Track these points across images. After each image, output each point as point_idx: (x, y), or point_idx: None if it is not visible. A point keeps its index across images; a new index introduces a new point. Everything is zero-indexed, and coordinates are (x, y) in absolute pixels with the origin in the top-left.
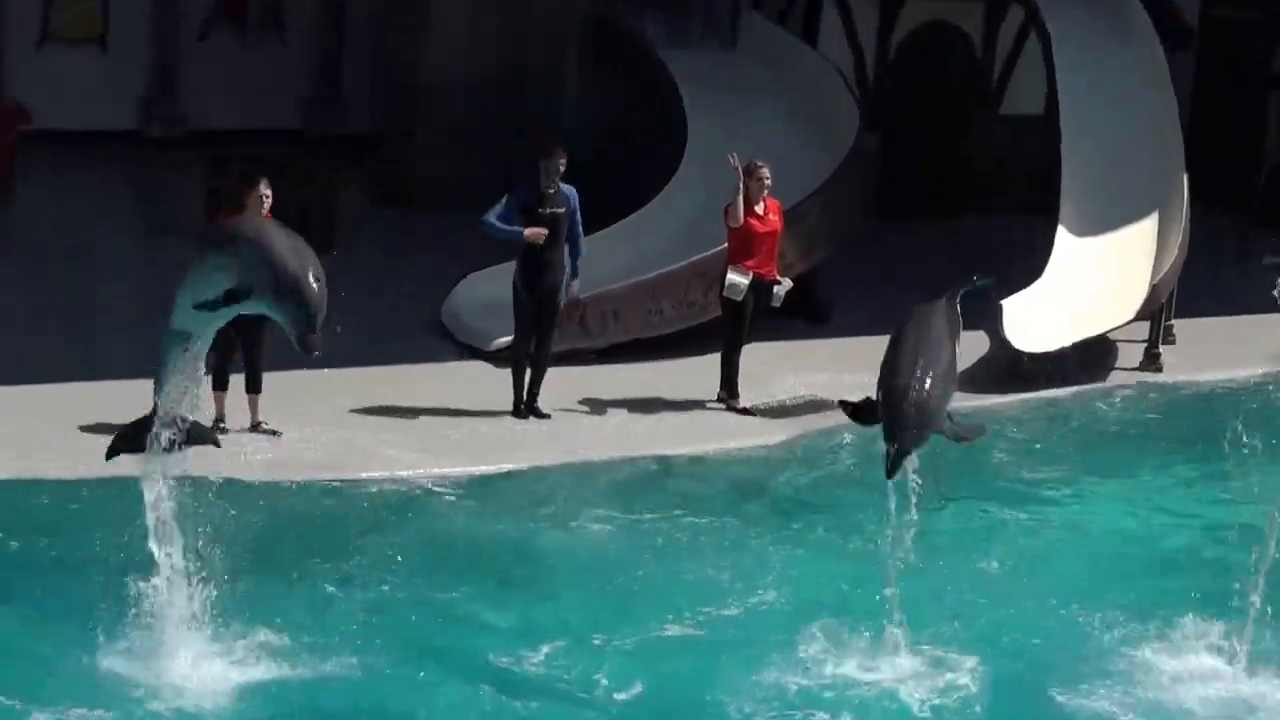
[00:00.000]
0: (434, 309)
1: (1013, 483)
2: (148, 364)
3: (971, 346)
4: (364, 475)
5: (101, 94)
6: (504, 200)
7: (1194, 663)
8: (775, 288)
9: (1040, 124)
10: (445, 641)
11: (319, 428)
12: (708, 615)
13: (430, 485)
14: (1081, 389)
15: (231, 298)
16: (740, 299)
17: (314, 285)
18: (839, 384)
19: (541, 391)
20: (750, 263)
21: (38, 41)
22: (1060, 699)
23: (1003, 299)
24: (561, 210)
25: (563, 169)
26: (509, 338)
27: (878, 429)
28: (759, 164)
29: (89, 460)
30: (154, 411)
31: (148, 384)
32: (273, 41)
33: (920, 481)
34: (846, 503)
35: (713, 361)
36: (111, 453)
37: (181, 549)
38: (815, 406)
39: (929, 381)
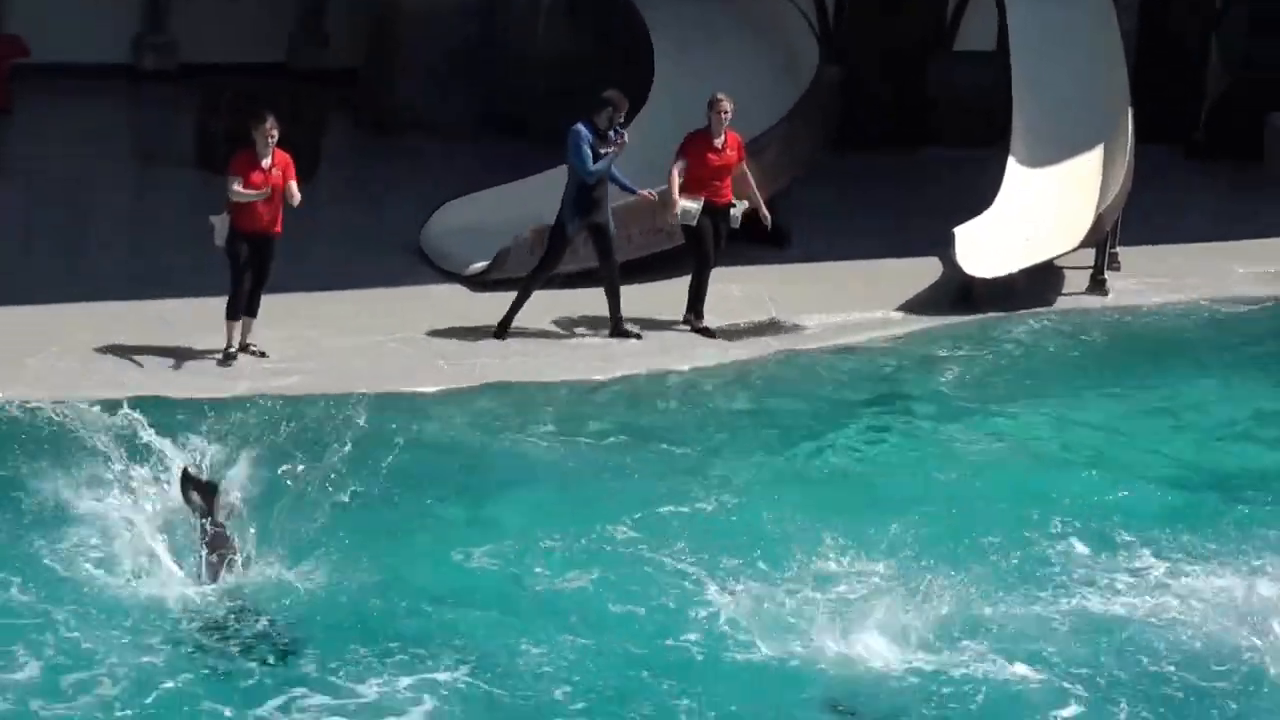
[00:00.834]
0: (414, 233)
1: (962, 399)
2: (131, 282)
3: (926, 271)
4: (347, 391)
5: (98, 29)
6: (585, 148)
7: (1125, 562)
8: (731, 210)
9: (993, 60)
10: (409, 535)
11: (303, 347)
12: (653, 519)
13: (409, 397)
14: (1030, 312)
15: None
16: (695, 224)
17: None
18: (799, 305)
19: (522, 314)
20: (704, 192)
21: None
22: (1003, 595)
23: (955, 226)
24: (612, 149)
25: (618, 118)
26: (484, 263)
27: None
28: (720, 97)
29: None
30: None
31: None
32: None
33: (871, 397)
34: (799, 418)
35: (681, 285)
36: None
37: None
38: (776, 328)
39: None
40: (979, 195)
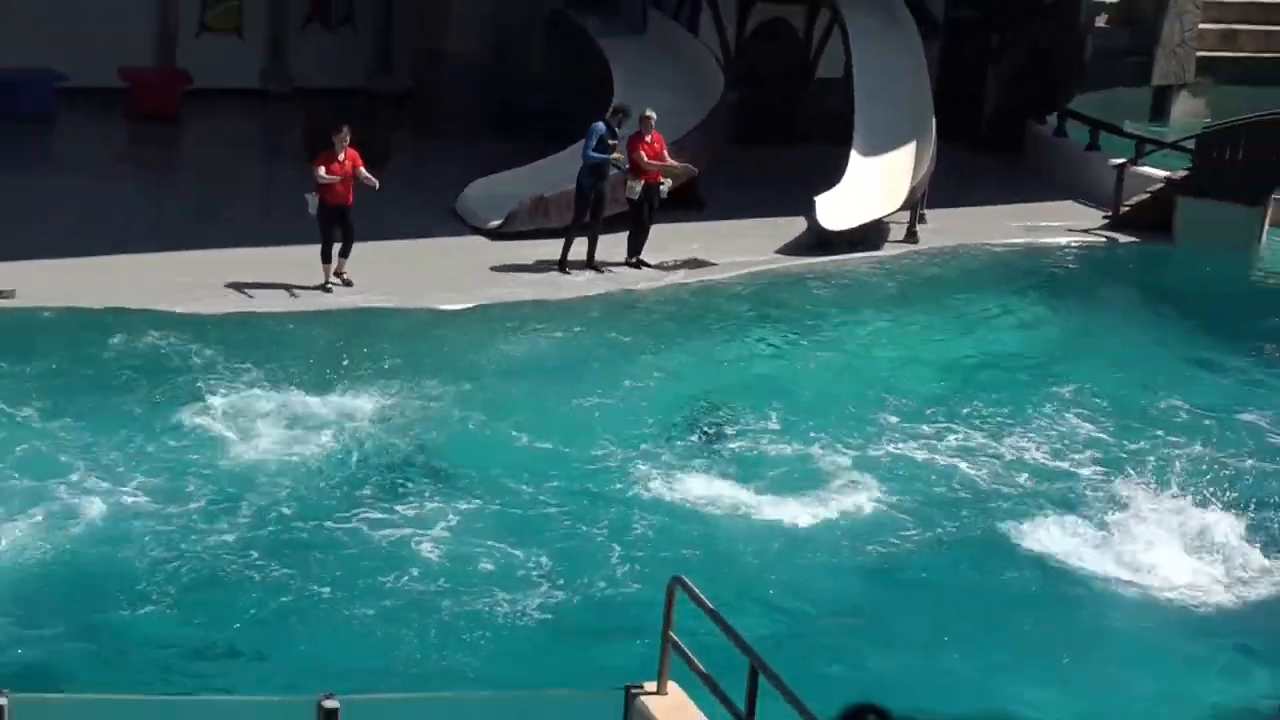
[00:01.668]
0: (450, 200)
1: (817, 310)
2: (262, 234)
3: (796, 227)
4: (409, 306)
5: (238, 64)
6: (595, 140)
7: (957, 442)
8: (660, 187)
9: (840, 84)
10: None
11: (378, 278)
12: (611, 394)
13: (444, 310)
14: (866, 254)
15: None
16: (637, 198)
17: None
18: (711, 250)
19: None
20: (643, 177)
21: (197, 32)
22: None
23: (816, 195)
24: (617, 141)
25: (625, 121)
26: (498, 221)
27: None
28: (647, 112)
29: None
30: None
31: (263, 249)
32: (347, 29)
33: (757, 310)
34: (709, 322)
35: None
36: None
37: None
38: (693, 264)
39: None
40: (831, 175)
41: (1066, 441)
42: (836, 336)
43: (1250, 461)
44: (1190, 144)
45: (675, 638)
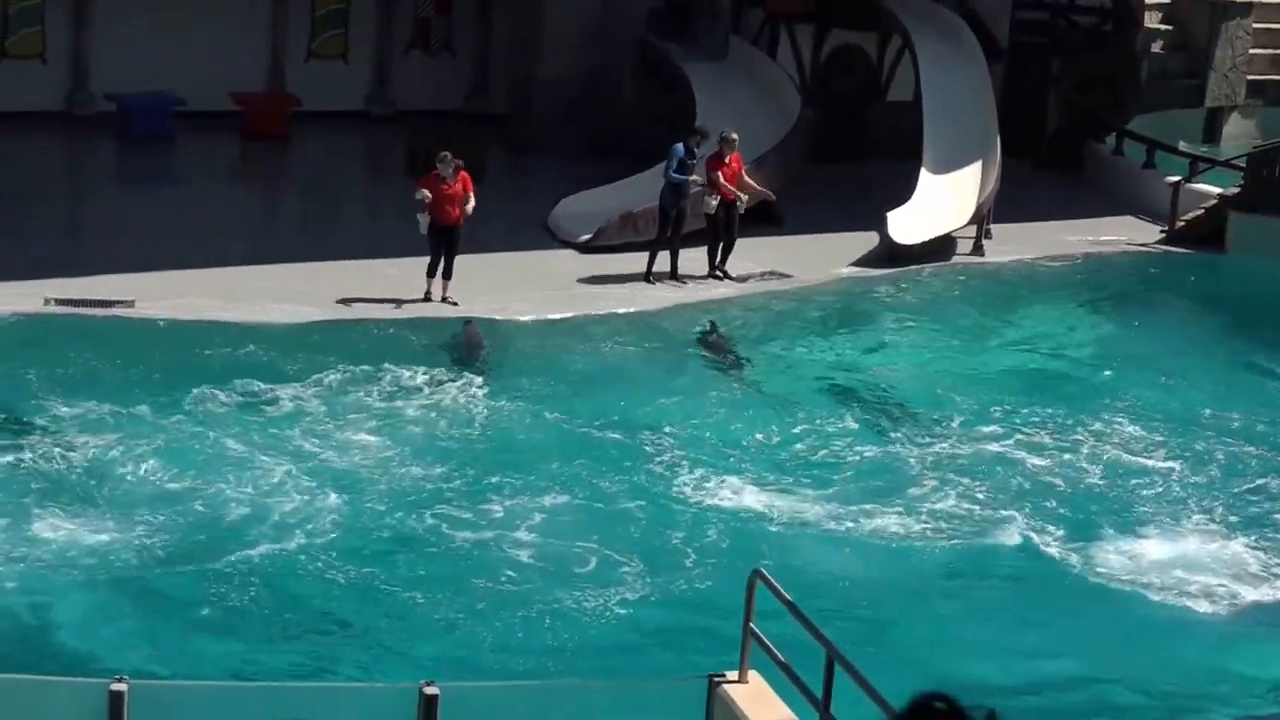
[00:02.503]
0: (544, 217)
1: (892, 316)
2: (366, 247)
3: (869, 240)
4: (502, 317)
5: (343, 88)
6: (675, 161)
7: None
8: (738, 203)
9: (910, 106)
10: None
11: (474, 289)
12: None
13: (535, 320)
14: (934, 267)
15: None
16: (713, 213)
17: None
18: (789, 262)
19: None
20: (720, 194)
21: (305, 58)
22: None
23: (888, 211)
24: (695, 161)
25: (703, 143)
26: (588, 236)
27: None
28: (728, 134)
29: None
30: None
31: (364, 262)
32: (446, 55)
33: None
34: (793, 326)
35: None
36: None
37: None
38: (771, 276)
39: None
40: (902, 192)
41: (1131, 444)
42: (908, 345)
43: None
44: (1241, 162)
45: (755, 629)
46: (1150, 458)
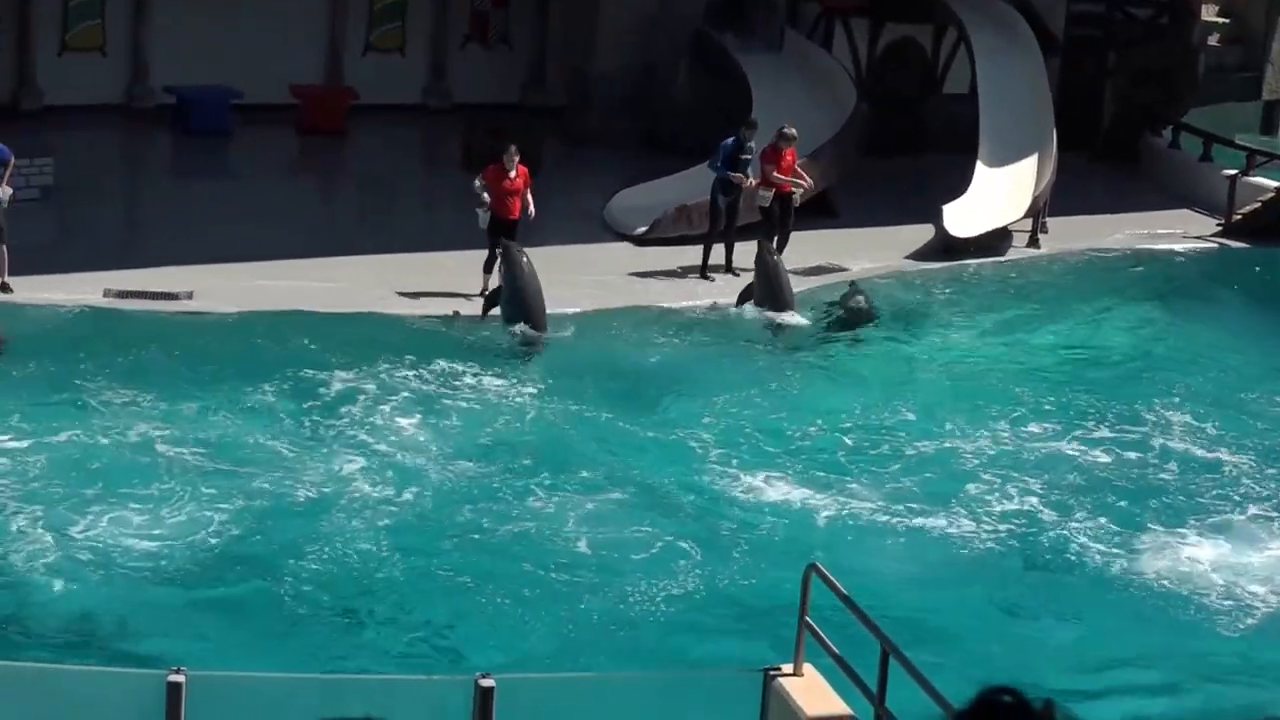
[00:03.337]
0: (600, 209)
1: (948, 308)
2: (420, 240)
3: (925, 233)
4: (559, 309)
5: (400, 81)
6: (724, 155)
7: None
8: (792, 196)
9: (966, 99)
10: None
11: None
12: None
13: (590, 312)
14: (990, 260)
15: None
16: (767, 205)
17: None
18: (843, 254)
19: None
20: (773, 187)
21: (363, 51)
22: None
23: (943, 204)
24: (750, 156)
25: (753, 136)
26: (644, 228)
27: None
28: (788, 127)
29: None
30: None
31: (425, 254)
32: (503, 48)
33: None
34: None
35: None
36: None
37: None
38: (828, 269)
39: None
40: (958, 185)
41: (1190, 440)
42: (963, 338)
43: None
44: None
45: (811, 622)
46: (1210, 453)
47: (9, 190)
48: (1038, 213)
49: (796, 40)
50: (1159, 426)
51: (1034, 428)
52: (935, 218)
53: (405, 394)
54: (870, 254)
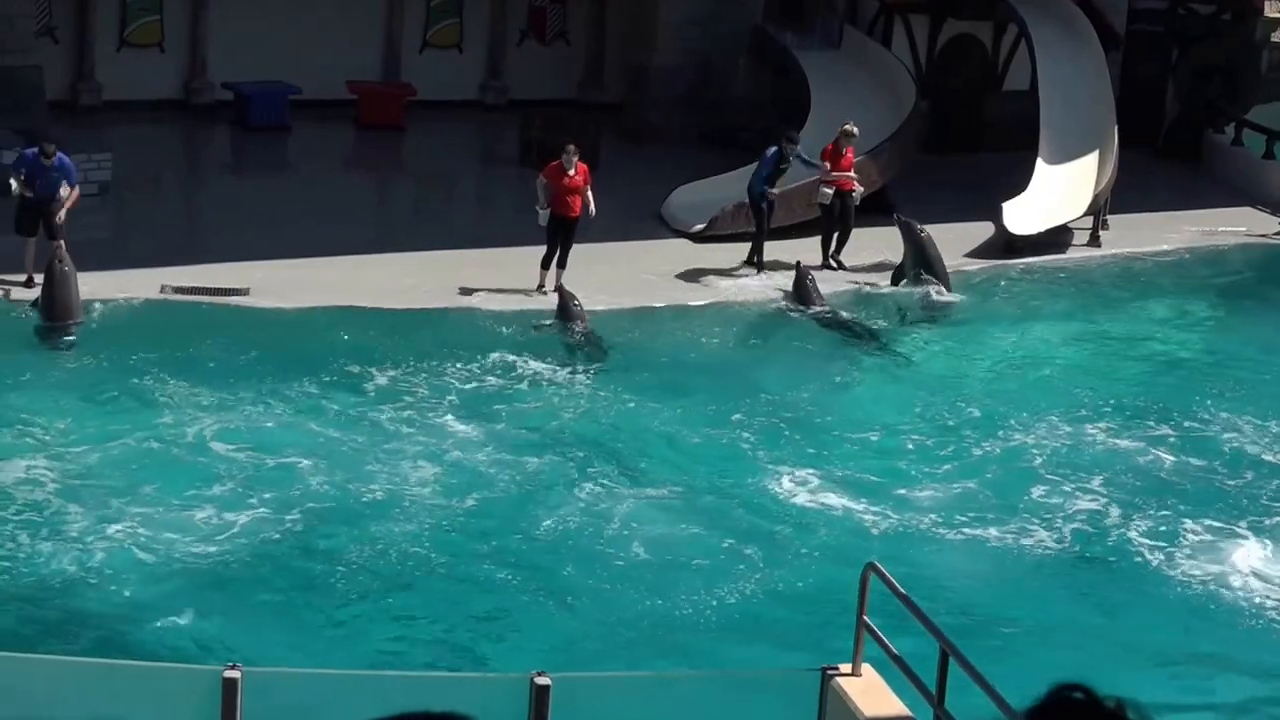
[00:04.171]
0: (657, 206)
1: (1008, 306)
2: (478, 239)
3: (984, 231)
4: (616, 305)
5: (458, 78)
6: (768, 162)
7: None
8: (852, 193)
9: (1026, 96)
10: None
11: (589, 278)
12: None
13: (649, 310)
14: (1050, 258)
15: None
16: (828, 203)
17: None
18: (900, 253)
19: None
20: (836, 184)
21: (420, 48)
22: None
23: (1003, 202)
24: (788, 167)
25: (793, 150)
26: (702, 225)
27: None
28: (850, 125)
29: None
30: None
31: (482, 250)
32: (560, 44)
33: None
34: (893, 326)
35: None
36: None
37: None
38: (884, 267)
39: None
40: (1018, 182)
41: (1257, 442)
42: (1023, 336)
43: None
44: None
45: (869, 622)
46: (1276, 455)
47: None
48: (1098, 210)
49: (855, 37)
50: (1222, 426)
51: (1095, 427)
52: (995, 215)
53: (461, 390)
54: None
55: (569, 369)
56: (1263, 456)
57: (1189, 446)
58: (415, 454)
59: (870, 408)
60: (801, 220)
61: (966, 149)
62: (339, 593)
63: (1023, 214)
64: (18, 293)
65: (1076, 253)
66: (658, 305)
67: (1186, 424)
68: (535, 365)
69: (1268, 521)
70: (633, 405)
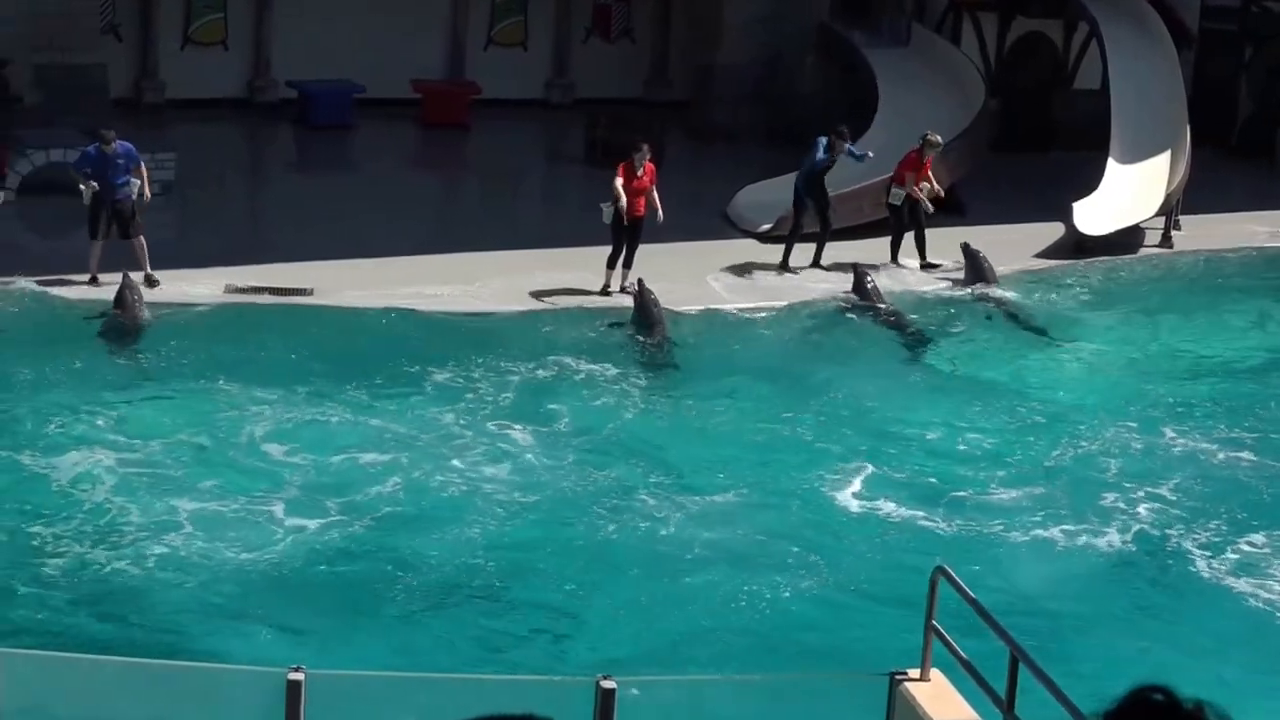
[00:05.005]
0: (724, 205)
1: (1080, 305)
2: (545, 239)
3: (1055, 231)
4: (682, 306)
5: (522, 76)
6: (819, 158)
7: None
8: (921, 203)
9: (1097, 95)
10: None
11: (655, 278)
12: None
13: (714, 310)
14: (1122, 259)
15: None
16: (899, 204)
17: None
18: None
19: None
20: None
21: (484, 46)
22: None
23: (1074, 202)
24: (834, 161)
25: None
26: (769, 225)
27: None
28: (931, 134)
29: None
30: None
31: (549, 250)
32: (626, 42)
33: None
34: (979, 312)
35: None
36: None
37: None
38: (956, 265)
39: None
40: (1089, 182)
41: None
42: (1093, 338)
43: None
44: None
45: (938, 626)
46: None
47: (137, 184)
48: (1170, 210)
49: (923, 34)
50: None
51: (1167, 430)
52: (1065, 215)
53: (524, 391)
54: (998, 251)
55: (634, 370)
56: None
57: (1265, 451)
58: (478, 456)
59: (938, 409)
60: (870, 220)
61: (1036, 148)
62: (401, 595)
63: (1094, 214)
64: (83, 291)
65: (1148, 253)
66: (722, 307)
67: (1261, 428)
68: (598, 366)
69: None
70: (697, 406)
